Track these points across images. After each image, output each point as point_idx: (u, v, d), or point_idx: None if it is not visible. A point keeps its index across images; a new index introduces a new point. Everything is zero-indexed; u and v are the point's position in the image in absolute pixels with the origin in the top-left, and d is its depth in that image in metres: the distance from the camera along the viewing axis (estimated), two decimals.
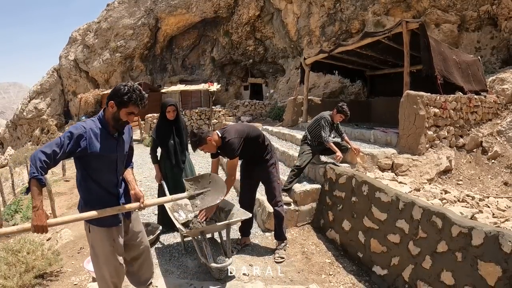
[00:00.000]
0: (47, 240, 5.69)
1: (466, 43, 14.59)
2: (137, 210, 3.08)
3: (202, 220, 4.16)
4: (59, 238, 5.74)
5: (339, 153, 5.85)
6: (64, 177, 11.33)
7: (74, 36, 31.29)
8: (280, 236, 4.83)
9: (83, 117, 24.99)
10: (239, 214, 4.29)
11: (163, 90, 22.60)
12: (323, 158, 6.40)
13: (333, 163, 5.94)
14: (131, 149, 3.20)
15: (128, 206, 2.96)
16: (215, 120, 17.72)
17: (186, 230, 4.02)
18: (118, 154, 2.94)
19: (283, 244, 4.84)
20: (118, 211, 2.91)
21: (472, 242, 3.22)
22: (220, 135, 4.22)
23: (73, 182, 10.31)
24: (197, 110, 18.49)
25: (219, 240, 4.47)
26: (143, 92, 2.85)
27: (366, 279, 4.30)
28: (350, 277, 4.34)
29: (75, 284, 4.18)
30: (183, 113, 18.19)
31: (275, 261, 4.62)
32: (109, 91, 22.95)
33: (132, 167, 3.27)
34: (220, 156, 4.52)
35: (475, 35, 14.51)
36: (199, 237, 4.03)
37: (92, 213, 2.78)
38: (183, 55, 29.08)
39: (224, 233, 4.26)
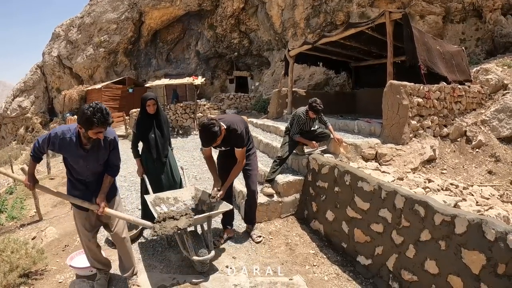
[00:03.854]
0: (32, 239, 5.57)
1: (451, 34, 14.68)
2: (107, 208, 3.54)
3: (219, 198, 4.29)
4: (43, 236, 5.62)
5: (311, 144, 6.02)
6: (49, 175, 11.12)
7: (57, 32, 30.66)
8: (251, 220, 4.97)
9: (68, 114, 24.57)
10: (220, 206, 4.26)
11: (147, 85, 22.29)
12: (307, 149, 6.37)
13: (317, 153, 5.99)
14: (112, 158, 3.59)
15: (87, 204, 3.49)
16: (200, 114, 17.52)
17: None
18: (87, 162, 3.43)
19: (254, 227, 5.00)
20: (81, 203, 3.50)
21: (456, 230, 3.20)
22: (226, 126, 4.22)
23: (58, 180, 10.14)
24: (181, 104, 18.23)
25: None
26: (106, 112, 3.16)
27: (351, 270, 4.29)
28: (334, 267, 4.32)
29: (60, 282, 4.10)
30: (167, 107, 17.97)
31: (255, 242, 4.75)
32: (93, 87, 22.66)
33: (112, 175, 3.63)
34: None
35: (460, 27, 14.61)
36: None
37: (64, 195, 3.64)
38: (168, 49, 28.79)
39: (205, 225, 4.22)
